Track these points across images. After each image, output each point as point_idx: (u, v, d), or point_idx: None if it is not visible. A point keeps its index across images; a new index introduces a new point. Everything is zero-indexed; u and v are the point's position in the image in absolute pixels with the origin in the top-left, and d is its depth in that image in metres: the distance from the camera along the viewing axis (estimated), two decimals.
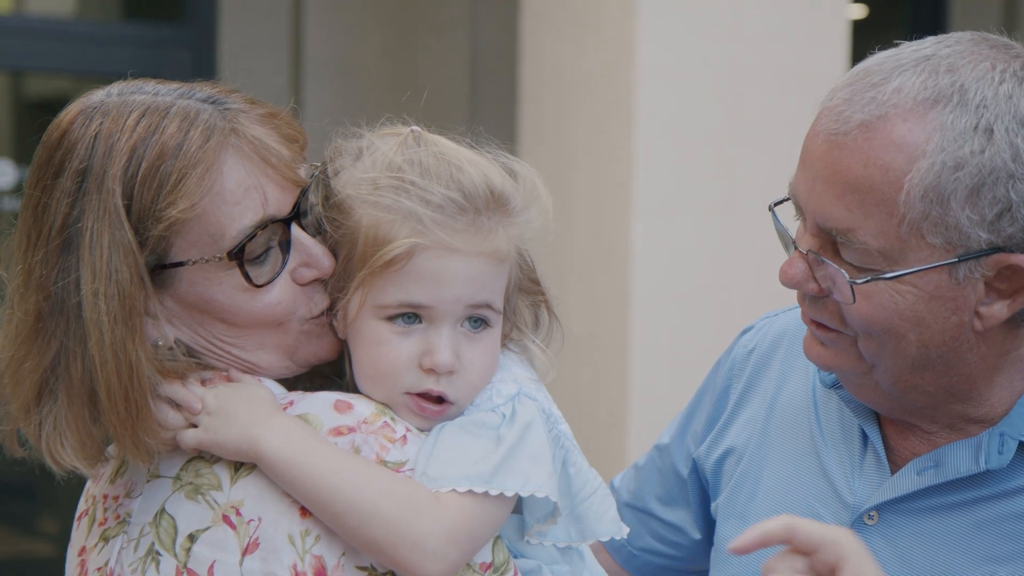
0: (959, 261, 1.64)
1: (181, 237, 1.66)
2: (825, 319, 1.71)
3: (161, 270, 1.67)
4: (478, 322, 1.71)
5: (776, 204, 1.76)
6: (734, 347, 2.02)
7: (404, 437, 1.68)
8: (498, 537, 1.68)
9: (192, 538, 1.64)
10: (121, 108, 1.67)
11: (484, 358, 1.71)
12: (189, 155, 1.65)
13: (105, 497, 1.74)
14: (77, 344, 1.63)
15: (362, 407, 1.68)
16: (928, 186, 1.63)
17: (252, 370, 1.72)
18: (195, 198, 1.64)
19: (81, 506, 1.80)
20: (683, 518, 2.04)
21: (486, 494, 1.64)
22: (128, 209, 1.63)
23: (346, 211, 1.71)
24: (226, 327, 1.70)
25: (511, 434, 1.67)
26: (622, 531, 1.74)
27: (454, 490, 1.63)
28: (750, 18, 4.40)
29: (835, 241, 1.67)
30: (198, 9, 5.63)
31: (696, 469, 2.01)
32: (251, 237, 1.67)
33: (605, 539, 1.73)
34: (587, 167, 4.50)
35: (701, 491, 2.02)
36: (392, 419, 1.69)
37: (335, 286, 1.72)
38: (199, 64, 5.49)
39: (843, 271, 1.66)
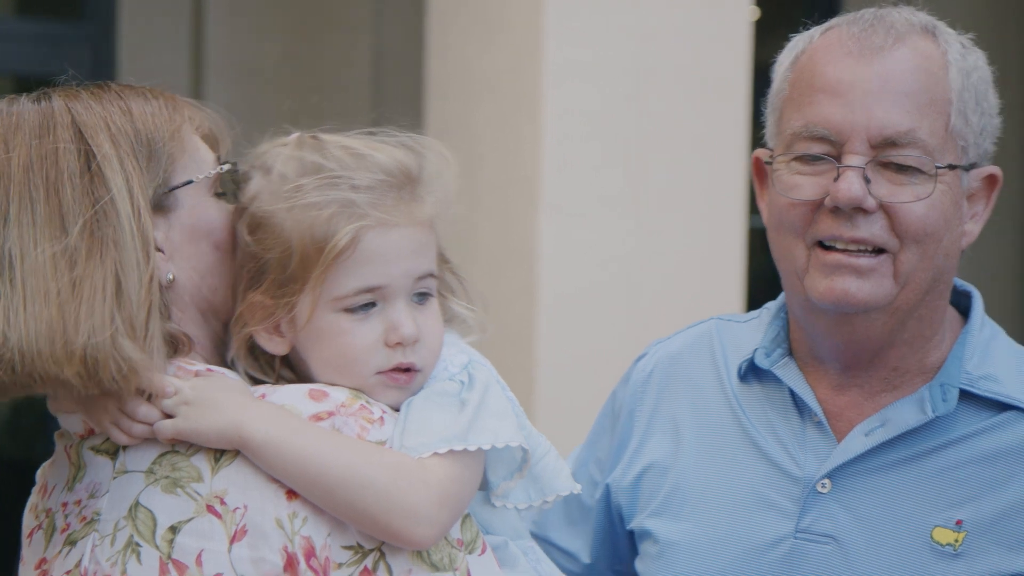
0: (969, 167, 1.81)
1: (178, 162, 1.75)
2: (877, 234, 1.79)
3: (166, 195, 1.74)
4: (423, 295, 1.79)
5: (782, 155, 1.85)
6: (631, 374, 2.08)
7: (381, 418, 1.74)
8: (468, 514, 1.74)
9: (175, 530, 1.66)
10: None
11: (435, 325, 1.79)
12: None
13: (65, 504, 1.75)
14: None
15: (337, 393, 1.74)
16: (959, 90, 1.82)
17: (219, 310, 1.78)
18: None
19: (30, 524, 1.80)
20: (579, 545, 2.09)
21: (464, 451, 1.71)
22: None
23: (269, 227, 1.76)
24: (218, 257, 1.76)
25: (473, 396, 1.76)
26: (575, 487, 1.81)
27: (435, 453, 1.70)
28: (655, 17, 4.42)
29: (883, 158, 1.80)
30: (97, 6, 5.56)
31: (607, 495, 2.04)
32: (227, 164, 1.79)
33: (564, 494, 1.81)
34: (494, 165, 4.50)
35: (607, 517, 2.06)
36: (368, 402, 1.75)
37: (264, 307, 1.77)
38: (98, 62, 5.43)
39: (927, 159, 1.78)
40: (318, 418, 1.71)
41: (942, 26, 1.87)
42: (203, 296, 1.78)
